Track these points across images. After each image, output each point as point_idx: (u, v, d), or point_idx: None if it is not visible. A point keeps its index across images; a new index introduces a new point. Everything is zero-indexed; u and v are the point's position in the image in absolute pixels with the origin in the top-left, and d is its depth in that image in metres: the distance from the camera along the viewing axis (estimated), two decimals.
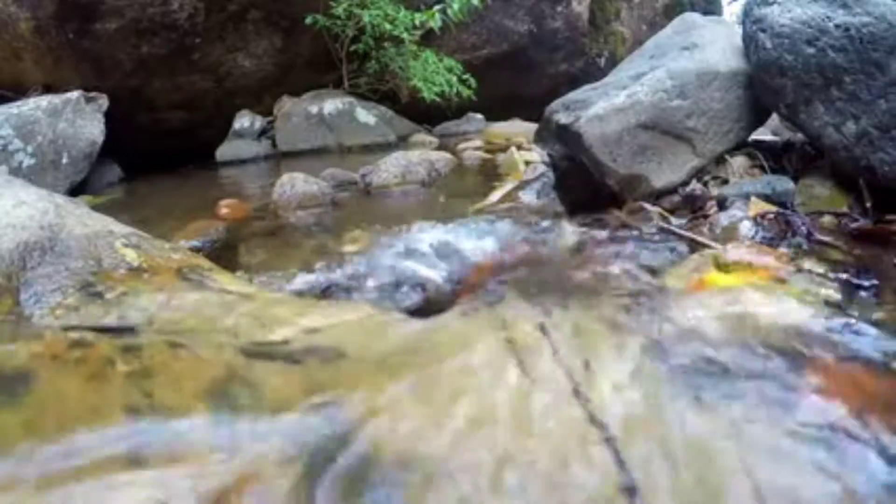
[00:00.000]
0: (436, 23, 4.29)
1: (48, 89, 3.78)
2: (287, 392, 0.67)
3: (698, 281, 1.02)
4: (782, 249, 1.11)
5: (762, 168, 1.52)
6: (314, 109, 4.23)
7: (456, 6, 4.28)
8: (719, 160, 1.55)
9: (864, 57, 1.23)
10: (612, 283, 1.03)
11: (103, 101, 3.54)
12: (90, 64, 3.84)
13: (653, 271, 1.12)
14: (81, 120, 3.33)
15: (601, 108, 1.45)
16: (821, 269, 1.00)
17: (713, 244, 1.18)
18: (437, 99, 4.30)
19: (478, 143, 3.52)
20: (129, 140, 3.69)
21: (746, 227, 1.25)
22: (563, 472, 0.54)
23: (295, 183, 2.22)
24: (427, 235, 1.36)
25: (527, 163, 2.46)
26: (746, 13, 1.50)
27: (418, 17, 4.21)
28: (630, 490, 0.52)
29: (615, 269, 1.13)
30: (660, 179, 1.48)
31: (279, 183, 2.25)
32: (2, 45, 3.82)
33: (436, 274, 1.17)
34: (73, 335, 0.80)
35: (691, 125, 1.48)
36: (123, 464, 0.55)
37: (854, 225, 1.20)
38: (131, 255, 1.07)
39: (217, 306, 0.96)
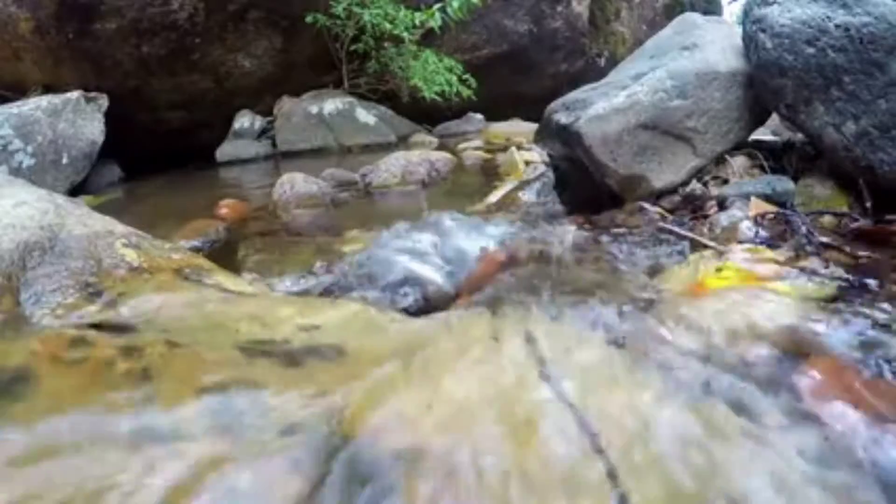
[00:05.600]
0: (436, 22, 4.29)
1: (48, 89, 3.78)
2: (287, 391, 0.67)
3: (698, 281, 1.02)
4: (782, 249, 1.11)
5: (762, 168, 1.52)
6: (314, 109, 4.23)
7: (456, 4, 4.28)
8: (719, 160, 1.55)
9: (864, 57, 1.23)
10: (611, 283, 1.03)
11: (103, 101, 3.54)
12: (90, 64, 3.84)
13: (652, 271, 1.12)
14: (81, 120, 3.33)
15: (601, 108, 1.46)
16: (820, 269, 0.99)
17: (713, 244, 1.18)
18: (437, 98, 4.30)
19: (478, 143, 3.52)
20: (129, 140, 3.69)
21: (746, 227, 1.24)
22: (554, 472, 0.54)
23: (295, 183, 2.22)
24: (427, 235, 1.36)
25: (527, 163, 2.46)
26: (746, 13, 1.50)
27: (418, 17, 4.20)
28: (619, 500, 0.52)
29: (615, 269, 1.13)
30: (660, 179, 1.48)
31: (279, 183, 2.25)
32: (2, 45, 3.82)
33: (435, 274, 1.16)
34: (74, 335, 0.80)
35: (691, 125, 1.48)
36: (124, 463, 0.55)
37: (854, 225, 1.20)
38: (131, 255, 1.07)
39: (217, 306, 0.96)
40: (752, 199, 1.34)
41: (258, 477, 0.54)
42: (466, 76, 4.56)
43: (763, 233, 1.22)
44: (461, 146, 3.37)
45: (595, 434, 0.57)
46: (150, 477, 0.53)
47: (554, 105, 1.59)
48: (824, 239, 1.13)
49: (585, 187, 1.53)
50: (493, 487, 0.53)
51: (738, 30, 1.61)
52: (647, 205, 1.44)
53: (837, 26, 1.26)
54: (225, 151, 4.12)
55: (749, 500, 0.52)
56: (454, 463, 0.55)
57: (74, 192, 3.05)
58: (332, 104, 4.27)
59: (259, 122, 4.31)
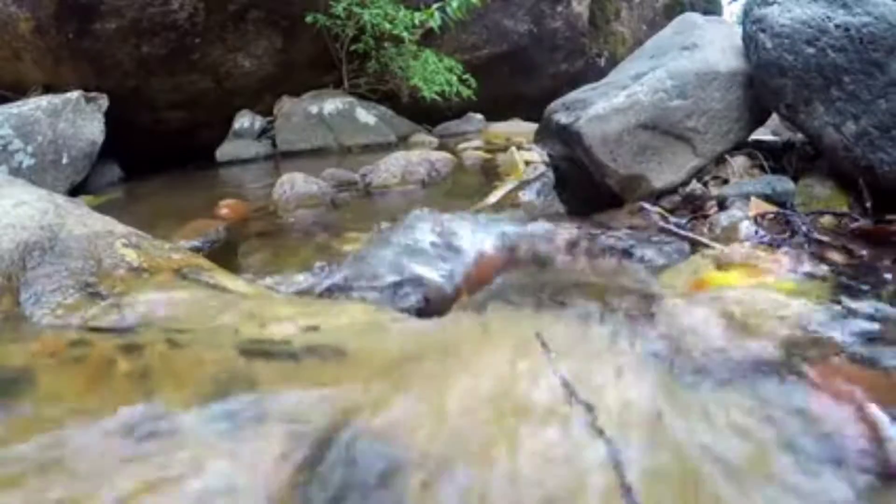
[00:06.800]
0: (435, 22, 4.29)
1: (48, 89, 3.78)
2: (286, 391, 0.67)
3: (698, 281, 1.02)
4: (782, 249, 1.11)
5: (762, 168, 1.52)
6: (314, 109, 4.23)
7: (455, 4, 4.28)
8: (719, 160, 1.55)
9: (864, 57, 1.23)
10: (611, 283, 1.03)
11: (103, 101, 3.54)
12: (90, 64, 3.84)
13: (653, 271, 1.12)
14: (81, 120, 3.33)
15: (601, 108, 1.46)
16: (820, 269, 1.00)
17: (713, 244, 1.18)
18: (437, 98, 4.30)
19: (478, 143, 3.52)
20: (129, 140, 3.69)
21: (746, 227, 1.25)
22: (558, 475, 0.54)
23: (295, 183, 2.22)
24: (427, 235, 1.36)
25: (527, 163, 2.46)
26: (746, 13, 1.50)
27: (418, 17, 4.21)
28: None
29: (615, 269, 1.13)
30: (660, 179, 1.48)
31: (279, 183, 2.25)
32: (2, 45, 3.82)
33: (435, 274, 1.16)
34: (73, 335, 0.80)
35: (691, 125, 1.48)
36: (123, 463, 0.55)
37: (854, 225, 1.20)
38: (131, 255, 1.07)
39: (217, 306, 0.96)
40: (752, 199, 1.34)
41: (252, 473, 0.54)
42: (466, 76, 4.56)
43: (763, 233, 1.22)
44: (461, 146, 3.37)
45: (614, 443, 0.57)
46: (145, 470, 0.53)
47: (554, 105, 1.59)
48: (824, 239, 1.13)
49: (585, 187, 1.53)
50: (492, 491, 0.53)
51: (738, 30, 1.61)
52: (647, 205, 1.44)
53: (837, 26, 1.26)
54: (225, 151, 4.12)
55: None
56: (454, 465, 0.55)
57: (74, 192, 3.05)
58: (332, 104, 4.27)
59: (259, 122, 4.31)
